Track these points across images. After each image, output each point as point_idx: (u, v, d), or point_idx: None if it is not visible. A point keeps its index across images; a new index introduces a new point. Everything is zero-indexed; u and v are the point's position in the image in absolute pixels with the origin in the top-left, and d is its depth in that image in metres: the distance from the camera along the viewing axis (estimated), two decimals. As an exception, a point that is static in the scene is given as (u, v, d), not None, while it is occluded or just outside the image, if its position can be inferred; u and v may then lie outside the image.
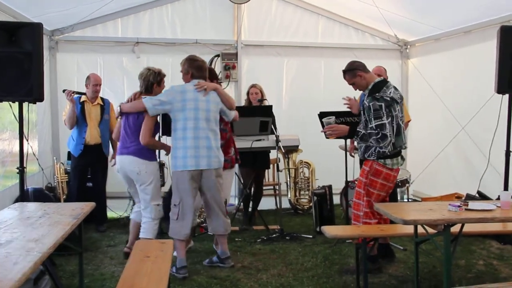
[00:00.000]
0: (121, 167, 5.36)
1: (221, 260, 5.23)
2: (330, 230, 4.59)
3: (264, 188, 7.22)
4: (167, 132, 5.40)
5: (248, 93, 7.01)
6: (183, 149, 4.90)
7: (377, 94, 4.66)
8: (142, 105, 4.97)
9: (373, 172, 4.78)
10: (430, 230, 3.95)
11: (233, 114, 5.31)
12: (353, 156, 6.46)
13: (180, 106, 4.89)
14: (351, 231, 4.70)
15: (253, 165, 6.84)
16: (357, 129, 4.76)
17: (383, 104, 4.59)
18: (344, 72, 4.91)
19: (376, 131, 4.59)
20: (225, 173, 5.28)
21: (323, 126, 5.18)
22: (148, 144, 5.13)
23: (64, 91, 6.37)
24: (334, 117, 5.11)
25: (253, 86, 6.97)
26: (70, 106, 6.34)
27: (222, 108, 5.11)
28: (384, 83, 4.80)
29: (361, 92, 5.12)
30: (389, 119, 4.60)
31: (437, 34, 7.82)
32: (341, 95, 6.84)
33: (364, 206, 4.85)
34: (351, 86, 4.97)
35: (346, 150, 6.17)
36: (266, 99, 6.83)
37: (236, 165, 5.99)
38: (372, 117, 4.62)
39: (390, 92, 4.69)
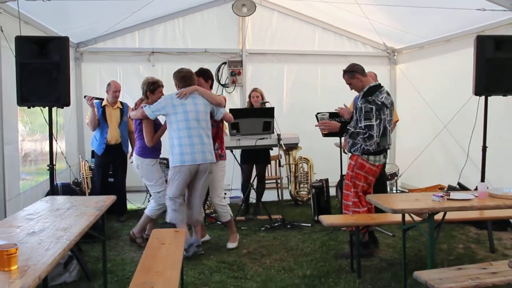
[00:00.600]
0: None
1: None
2: (326, 219, 4.61)
3: (267, 181, 7.24)
4: None
5: (249, 96, 7.01)
6: (179, 147, 4.99)
7: (370, 98, 4.63)
8: (143, 113, 5.12)
9: (358, 165, 4.79)
10: (416, 218, 3.98)
11: (222, 112, 5.29)
12: (346, 153, 6.46)
13: (172, 111, 5.02)
14: (345, 220, 4.72)
15: (255, 161, 6.86)
16: (347, 127, 4.76)
17: (374, 107, 4.57)
18: (344, 72, 4.87)
19: (364, 131, 4.58)
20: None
21: (318, 121, 5.20)
22: (154, 144, 5.34)
23: (85, 97, 6.41)
24: (328, 113, 5.13)
25: (254, 90, 6.98)
26: (91, 110, 6.38)
27: (212, 107, 5.17)
28: (378, 88, 4.75)
29: (355, 95, 5.12)
30: (378, 121, 4.58)
31: (422, 43, 7.81)
32: (335, 97, 6.88)
33: (352, 196, 4.85)
34: (348, 85, 4.92)
35: (340, 148, 6.18)
36: (268, 101, 6.83)
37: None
38: (362, 117, 4.60)
39: (382, 97, 4.65)
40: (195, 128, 4.99)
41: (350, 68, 4.86)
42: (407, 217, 4.04)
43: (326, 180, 6.80)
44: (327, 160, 7.25)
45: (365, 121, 4.58)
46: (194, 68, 5.42)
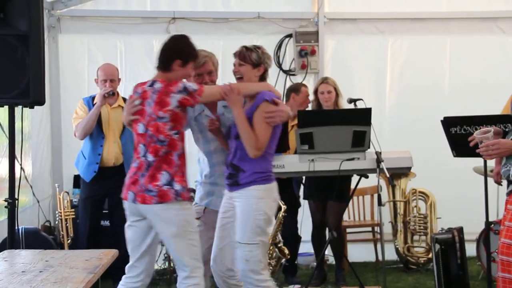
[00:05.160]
0: None
1: None
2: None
3: (355, 230, 7.16)
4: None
5: (316, 92, 7.01)
6: None
7: None
8: None
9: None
10: None
11: None
12: (501, 184, 6.29)
13: None
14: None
15: (328, 194, 6.78)
16: None
17: None
18: None
19: None
20: None
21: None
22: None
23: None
24: (492, 129, 4.91)
25: (324, 81, 6.98)
26: (96, 106, 6.42)
27: None
28: None
29: None
30: None
31: None
32: (475, 91, 6.71)
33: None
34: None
35: (485, 175, 6.00)
36: (361, 99, 6.74)
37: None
38: None
39: None
40: None
41: None
42: None
43: (460, 230, 6.62)
44: (460, 197, 7.12)
45: None
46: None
